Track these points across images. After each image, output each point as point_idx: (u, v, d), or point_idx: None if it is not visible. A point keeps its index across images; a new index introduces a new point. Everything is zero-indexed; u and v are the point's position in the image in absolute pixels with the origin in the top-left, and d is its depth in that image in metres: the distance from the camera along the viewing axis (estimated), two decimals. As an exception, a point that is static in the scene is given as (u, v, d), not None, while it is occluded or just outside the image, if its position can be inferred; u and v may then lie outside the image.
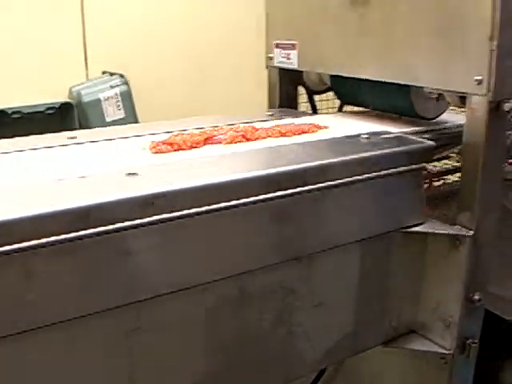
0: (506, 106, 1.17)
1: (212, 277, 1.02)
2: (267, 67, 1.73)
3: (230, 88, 3.16)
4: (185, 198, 0.96)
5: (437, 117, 1.45)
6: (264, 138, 1.25)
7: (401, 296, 1.32)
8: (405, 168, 1.21)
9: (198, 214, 0.97)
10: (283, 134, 1.28)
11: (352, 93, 1.55)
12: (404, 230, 1.25)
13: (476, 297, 1.30)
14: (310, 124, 1.35)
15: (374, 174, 1.17)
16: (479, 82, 1.16)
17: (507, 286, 1.83)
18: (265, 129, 1.29)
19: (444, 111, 1.45)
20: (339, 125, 1.43)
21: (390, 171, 1.19)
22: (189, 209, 0.96)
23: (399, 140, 1.26)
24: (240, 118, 1.45)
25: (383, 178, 1.19)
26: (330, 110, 1.85)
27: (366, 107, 1.58)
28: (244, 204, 1.02)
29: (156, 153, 1.15)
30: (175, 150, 1.16)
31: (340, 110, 1.75)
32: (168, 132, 1.31)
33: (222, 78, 3.15)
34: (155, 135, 1.28)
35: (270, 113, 1.54)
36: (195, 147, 1.18)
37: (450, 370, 1.34)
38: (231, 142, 1.21)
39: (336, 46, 1.47)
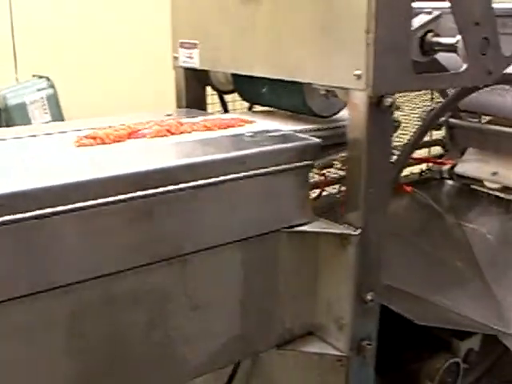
0: (387, 101, 1.15)
1: (74, 278, 0.98)
2: (174, 67, 1.69)
3: (159, 87, 3.11)
4: (45, 197, 0.92)
5: (335, 114, 1.42)
6: (189, 132, 1.25)
7: (294, 297, 1.29)
8: (288, 166, 1.18)
9: (57, 213, 0.93)
10: (209, 128, 1.28)
11: (252, 91, 1.52)
12: (289, 230, 1.21)
13: (368, 297, 1.27)
14: (236, 119, 1.36)
15: (254, 172, 1.14)
16: (358, 77, 1.14)
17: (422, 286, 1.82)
18: (190, 123, 1.29)
19: (342, 108, 1.42)
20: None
21: (270, 169, 1.16)
22: (49, 207, 0.91)
23: (284, 138, 1.24)
24: (133, 117, 1.41)
25: (264, 176, 1.16)
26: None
27: (266, 106, 1.55)
28: (108, 203, 0.98)
29: (80, 146, 1.14)
30: (98, 144, 1.15)
31: (250, 109, 1.72)
32: (93, 128, 1.28)
33: (148, 78, 3.10)
34: (81, 131, 1.26)
35: (169, 112, 1.50)
36: (119, 141, 1.17)
37: (347, 373, 1.31)
38: (155, 136, 1.21)
39: (231, 44, 1.44)
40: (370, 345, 1.30)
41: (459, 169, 2.17)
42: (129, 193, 1.00)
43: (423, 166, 2.28)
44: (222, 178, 1.09)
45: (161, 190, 1.03)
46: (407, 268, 1.90)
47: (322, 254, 1.27)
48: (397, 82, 1.16)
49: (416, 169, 2.27)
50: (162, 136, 1.21)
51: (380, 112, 1.16)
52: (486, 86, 1.58)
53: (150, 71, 3.03)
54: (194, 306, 1.13)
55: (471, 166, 2.15)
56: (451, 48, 1.32)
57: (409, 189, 2.11)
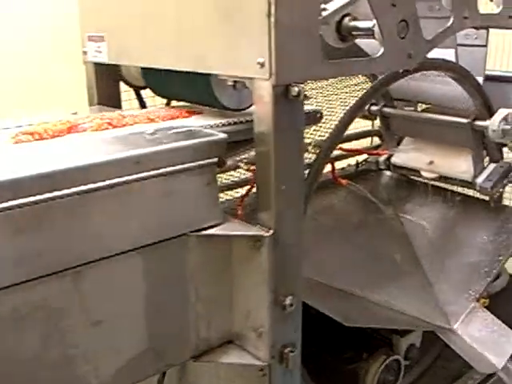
0: (294, 91, 1.06)
1: None
2: (84, 63, 1.57)
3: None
4: None
5: (248, 107, 1.33)
6: (131, 124, 1.22)
7: (208, 305, 1.19)
8: (189, 165, 1.09)
9: None
10: (152, 120, 1.25)
11: (162, 86, 1.42)
12: (196, 234, 1.11)
13: (287, 301, 1.18)
14: (182, 110, 1.33)
15: (150, 173, 1.04)
16: (261, 65, 1.04)
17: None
18: (133, 115, 1.26)
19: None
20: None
21: (169, 169, 1.06)
22: None
23: (188, 134, 1.14)
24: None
25: (162, 176, 1.06)
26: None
27: (178, 100, 1.46)
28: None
29: (16, 143, 1.09)
30: (36, 140, 1.11)
31: (167, 105, 1.62)
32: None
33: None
34: (21, 127, 1.19)
35: (74, 111, 1.39)
36: (58, 136, 1.13)
37: (269, 382, 1.22)
38: (97, 130, 1.18)
39: (137, 36, 1.34)
40: (292, 352, 1.21)
41: (396, 159, 2.11)
42: (9, 201, 0.89)
43: (360, 158, 2.20)
44: (114, 180, 0.99)
45: (46, 196, 0.92)
46: (342, 264, 1.83)
47: (235, 258, 1.18)
48: (305, 69, 1.08)
49: (353, 160, 2.20)
50: (103, 129, 1.18)
51: (287, 103, 1.07)
52: (415, 71, 1.52)
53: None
54: (95, 322, 1.03)
55: (408, 155, 2.09)
56: (368, 32, 1.24)
57: (344, 182, 2.03)
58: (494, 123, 1.76)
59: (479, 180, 1.88)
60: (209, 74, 1.24)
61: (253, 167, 1.66)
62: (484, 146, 1.92)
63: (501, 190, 1.87)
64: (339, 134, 1.41)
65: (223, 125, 1.29)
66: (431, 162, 2.02)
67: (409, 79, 1.94)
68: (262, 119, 1.09)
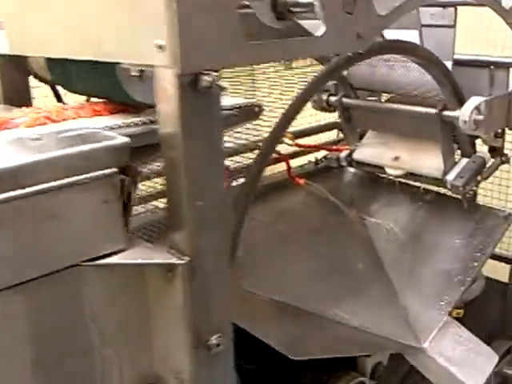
0: (205, 81, 0.83)
1: None
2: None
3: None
4: None
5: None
6: (74, 118, 1.08)
7: (119, 348, 0.96)
8: (79, 178, 0.85)
9: None
10: (98, 113, 1.11)
11: (68, 78, 1.18)
12: (93, 263, 0.88)
13: (213, 341, 0.96)
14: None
15: (27, 190, 0.80)
16: (161, 48, 0.81)
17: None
18: (75, 108, 1.12)
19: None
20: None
21: (52, 184, 0.82)
22: None
23: (81, 139, 0.90)
24: None
25: (43, 194, 0.82)
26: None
27: (84, 94, 1.22)
28: None
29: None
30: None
31: (87, 101, 1.38)
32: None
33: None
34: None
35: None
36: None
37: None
38: (32, 125, 1.04)
39: (34, 20, 1.10)
40: (223, 398, 0.99)
41: (358, 155, 1.89)
42: None
43: (320, 155, 1.98)
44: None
45: None
46: (297, 276, 1.62)
47: (150, 291, 0.95)
48: (221, 53, 0.85)
49: (311, 157, 1.97)
50: (40, 124, 1.05)
51: (198, 96, 0.84)
52: (370, 55, 1.30)
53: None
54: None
55: (371, 151, 1.88)
56: (309, 8, 1.01)
57: (301, 181, 1.82)
58: (464, 113, 1.54)
59: (450, 177, 1.68)
60: (113, 63, 1.00)
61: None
62: (455, 139, 1.71)
63: (474, 187, 1.65)
64: (281, 130, 1.18)
65: (136, 124, 1.05)
66: (397, 158, 1.80)
67: (370, 65, 1.73)
68: (167, 118, 0.86)
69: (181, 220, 0.90)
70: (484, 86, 1.72)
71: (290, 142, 1.82)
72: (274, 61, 0.98)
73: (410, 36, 1.52)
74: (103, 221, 0.90)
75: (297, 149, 1.88)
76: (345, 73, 1.82)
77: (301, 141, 1.90)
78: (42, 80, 1.38)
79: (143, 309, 0.98)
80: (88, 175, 0.87)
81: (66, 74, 1.18)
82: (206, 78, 0.84)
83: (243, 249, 1.68)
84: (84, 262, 0.89)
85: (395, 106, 1.70)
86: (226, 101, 1.20)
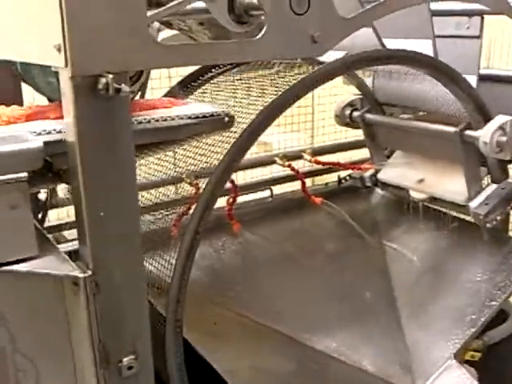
0: (101, 83, 0.77)
1: None
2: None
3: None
4: None
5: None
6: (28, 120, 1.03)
7: (35, 356, 0.92)
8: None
9: None
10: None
11: (32, 80, 1.17)
12: (1, 269, 0.85)
13: (124, 363, 0.89)
14: (162, 100, 1.15)
15: None
16: (59, 49, 0.76)
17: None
18: (42, 109, 1.08)
19: (133, 97, 1.05)
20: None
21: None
22: None
23: (5, 140, 0.88)
24: None
25: None
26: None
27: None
28: None
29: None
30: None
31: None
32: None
33: None
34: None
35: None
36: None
37: None
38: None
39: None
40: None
41: (382, 175, 1.76)
42: None
43: (343, 174, 1.87)
44: None
45: None
46: (297, 302, 1.51)
47: (66, 302, 0.90)
48: (123, 55, 0.79)
49: (334, 176, 1.86)
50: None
51: (99, 101, 0.78)
52: (368, 64, 1.20)
53: None
54: None
55: (396, 171, 1.74)
56: (258, 7, 0.94)
57: (318, 200, 1.71)
58: (486, 134, 1.39)
59: (473, 204, 1.51)
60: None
61: (195, 181, 1.40)
62: (483, 161, 1.54)
63: (498, 217, 1.48)
64: (241, 151, 1.09)
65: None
66: (421, 181, 1.66)
67: (396, 79, 1.61)
68: (67, 123, 0.80)
69: (84, 231, 0.84)
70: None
71: (309, 157, 1.72)
72: (198, 64, 0.90)
73: (423, 46, 1.39)
74: (10, 227, 0.86)
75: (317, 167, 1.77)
76: (370, 86, 1.70)
77: (325, 158, 1.79)
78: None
79: (60, 321, 0.93)
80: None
81: (31, 76, 1.17)
82: (102, 80, 0.78)
83: (242, 268, 1.61)
84: (-12, 267, 0.85)
85: (415, 123, 1.56)
86: (191, 108, 1.14)
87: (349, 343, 1.42)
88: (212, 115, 1.13)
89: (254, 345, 1.33)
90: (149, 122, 1.03)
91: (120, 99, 0.80)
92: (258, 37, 0.90)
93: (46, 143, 0.87)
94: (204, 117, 1.11)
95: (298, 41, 0.94)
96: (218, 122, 1.15)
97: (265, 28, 0.90)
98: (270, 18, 0.90)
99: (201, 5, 0.97)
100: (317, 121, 2.29)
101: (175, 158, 1.41)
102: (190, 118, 1.10)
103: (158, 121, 1.03)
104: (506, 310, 1.65)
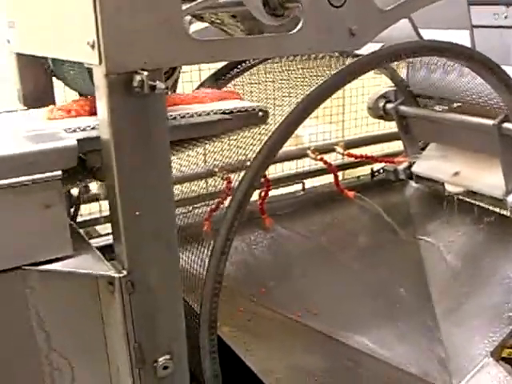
0: (136, 81, 0.76)
1: None
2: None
3: None
4: None
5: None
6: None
7: (70, 354, 0.92)
8: (17, 180, 0.82)
9: None
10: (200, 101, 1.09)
11: (64, 76, 1.16)
12: (36, 268, 0.85)
13: (160, 363, 0.89)
14: (231, 92, 1.19)
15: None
16: (92, 46, 0.75)
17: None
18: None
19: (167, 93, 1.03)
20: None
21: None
22: None
23: (33, 140, 0.87)
24: None
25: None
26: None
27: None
28: None
29: (50, 119, 0.98)
30: (72, 116, 0.98)
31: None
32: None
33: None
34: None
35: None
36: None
37: None
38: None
39: (28, 24, 1.09)
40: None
41: (417, 168, 1.73)
42: None
43: (376, 167, 1.83)
44: None
45: None
46: (330, 297, 1.49)
47: (101, 302, 0.90)
48: (156, 52, 0.77)
49: (367, 169, 1.83)
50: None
51: (133, 99, 0.77)
52: (396, 58, 1.17)
53: None
54: None
55: (430, 164, 1.71)
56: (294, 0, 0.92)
57: (351, 194, 1.69)
58: (525, 126, 1.35)
59: (511, 198, 1.47)
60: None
61: (227, 175, 1.39)
62: (521, 154, 1.50)
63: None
64: (277, 146, 1.07)
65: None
66: (457, 173, 1.62)
67: (431, 70, 1.57)
68: (102, 122, 0.79)
69: (119, 230, 0.83)
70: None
71: (341, 150, 1.69)
72: (233, 60, 0.88)
73: (460, 37, 1.35)
74: (45, 226, 0.86)
75: (348, 159, 1.74)
76: (404, 77, 1.67)
77: (357, 151, 1.77)
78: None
79: (96, 320, 0.93)
80: (27, 178, 0.83)
81: (64, 72, 1.16)
82: (136, 77, 0.76)
83: (274, 263, 1.59)
84: (27, 265, 0.85)
85: (451, 115, 1.53)
86: (223, 104, 1.12)
87: (383, 340, 1.40)
88: (246, 110, 1.11)
89: (288, 342, 1.32)
90: (183, 117, 1.01)
91: (155, 96, 0.79)
92: (294, 31, 0.88)
93: (79, 141, 0.86)
94: (239, 111, 1.10)
95: (336, 34, 0.91)
96: (252, 117, 1.13)
97: (301, 22, 0.88)
98: (307, 11, 0.88)
99: (235, -2, 0.96)
100: (348, 113, 2.26)
101: (204, 153, 1.40)
102: (224, 113, 1.08)
103: (192, 116, 1.01)
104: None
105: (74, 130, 0.92)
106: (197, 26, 1.38)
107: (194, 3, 0.82)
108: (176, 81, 1.00)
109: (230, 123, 1.09)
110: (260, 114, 1.12)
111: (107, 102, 0.77)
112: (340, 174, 1.89)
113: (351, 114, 2.18)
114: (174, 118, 0.99)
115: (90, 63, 0.78)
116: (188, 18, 1.33)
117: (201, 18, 1.28)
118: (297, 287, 1.47)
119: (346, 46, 0.93)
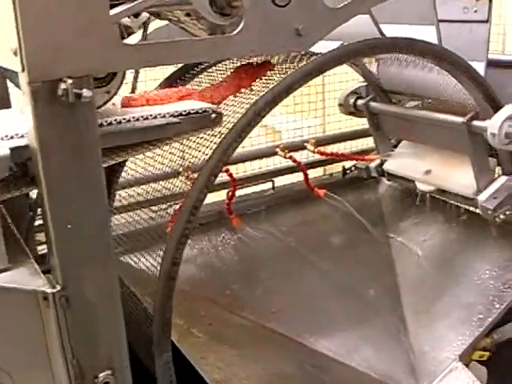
0: (60, 89, 0.72)
1: None
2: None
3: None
4: None
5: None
6: None
7: (11, 368, 0.89)
8: None
9: None
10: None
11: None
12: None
13: (100, 379, 0.86)
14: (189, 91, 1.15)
15: None
16: (15, 53, 0.71)
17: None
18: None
19: (110, 99, 0.99)
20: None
21: None
22: None
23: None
24: None
25: None
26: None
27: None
28: None
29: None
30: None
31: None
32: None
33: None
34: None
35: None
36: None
37: None
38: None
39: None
40: None
41: (389, 166, 1.70)
42: None
43: (348, 164, 1.80)
44: None
45: None
46: (297, 299, 1.46)
47: (42, 316, 0.86)
48: (84, 58, 0.73)
49: (338, 166, 1.80)
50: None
51: (58, 106, 0.73)
52: (363, 55, 1.13)
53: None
54: None
55: (402, 162, 1.67)
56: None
57: (321, 192, 1.65)
58: (494, 124, 1.31)
59: (482, 197, 1.44)
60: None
61: (192, 175, 1.35)
62: (492, 152, 1.46)
63: (508, 212, 1.41)
64: (229, 149, 1.03)
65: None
66: (428, 172, 1.58)
67: (401, 66, 1.53)
68: (29, 129, 0.76)
69: (51, 244, 0.79)
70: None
71: (312, 148, 1.66)
72: (168, 64, 0.84)
73: (426, 33, 1.31)
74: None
75: (319, 157, 1.70)
76: (375, 73, 1.63)
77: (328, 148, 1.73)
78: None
79: (38, 335, 0.89)
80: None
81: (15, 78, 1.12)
82: (62, 85, 0.72)
83: (241, 265, 1.56)
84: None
85: (421, 112, 1.49)
86: (173, 106, 1.08)
87: (350, 344, 1.37)
88: (197, 112, 1.07)
89: (250, 348, 1.29)
90: (128, 121, 0.97)
91: (83, 104, 0.75)
92: (234, 32, 0.84)
93: (18, 148, 0.82)
94: (188, 114, 1.05)
95: (281, 35, 0.88)
96: (204, 120, 1.09)
97: (243, 22, 0.84)
98: (249, 11, 0.84)
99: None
100: (327, 108, 2.21)
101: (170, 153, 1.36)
102: (175, 115, 1.05)
103: (138, 120, 0.97)
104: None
105: (12, 137, 0.88)
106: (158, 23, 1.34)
107: (125, 7, 0.78)
108: (119, 85, 0.96)
109: (179, 126, 1.05)
110: (213, 115, 1.08)
111: (32, 110, 0.73)
112: (321, 169, 1.86)
113: (330, 110, 2.13)
114: (120, 123, 0.96)
115: (14, 70, 0.74)
116: (146, 15, 1.29)
117: (158, 16, 1.24)
118: (263, 289, 1.44)
119: (293, 47, 0.89)
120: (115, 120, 0.95)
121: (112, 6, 0.81)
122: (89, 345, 0.84)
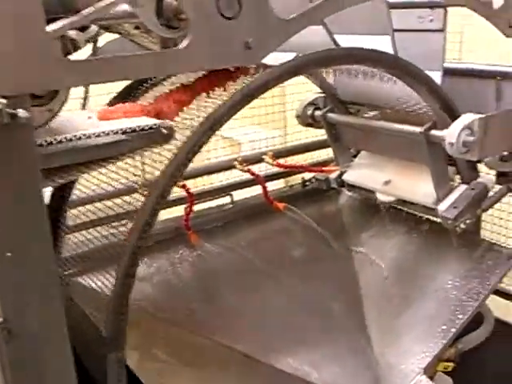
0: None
1: None
2: None
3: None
4: None
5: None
6: None
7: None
8: None
9: None
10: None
11: None
12: None
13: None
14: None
15: None
16: None
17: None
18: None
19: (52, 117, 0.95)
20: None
21: None
22: None
23: None
24: None
25: None
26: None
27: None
28: None
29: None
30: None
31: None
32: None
33: None
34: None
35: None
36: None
37: None
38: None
39: None
40: None
41: (348, 177, 1.68)
42: None
43: (308, 175, 1.78)
44: None
45: None
46: (256, 316, 1.42)
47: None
48: (20, 77, 0.69)
49: (297, 178, 1.77)
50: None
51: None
52: (298, 71, 1.10)
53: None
54: None
55: (362, 173, 1.65)
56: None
57: (281, 206, 1.62)
58: (452, 134, 1.30)
59: (442, 207, 1.43)
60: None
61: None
62: (451, 160, 1.45)
63: (468, 221, 1.40)
64: (180, 167, 1.00)
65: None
66: (387, 182, 1.57)
67: (357, 76, 1.52)
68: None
69: (-11, 273, 0.74)
70: (489, 101, 1.45)
71: (271, 161, 1.63)
72: (107, 82, 0.80)
73: (382, 42, 1.29)
74: None
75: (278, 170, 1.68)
76: (332, 84, 1.61)
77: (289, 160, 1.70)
78: None
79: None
80: None
81: None
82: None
83: (199, 282, 1.51)
84: None
85: (378, 122, 1.47)
86: (122, 123, 1.04)
87: (313, 361, 1.34)
88: (150, 128, 1.03)
89: (209, 370, 1.25)
90: (70, 140, 0.93)
91: (18, 126, 0.70)
92: (180, 47, 0.80)
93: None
94: (134, 131, 1.01)
95: (229, 48, 0.84)
96: (155, 135, 1.05)
97: (189, 36, 0.80)
98: (195, 24, 0.80)
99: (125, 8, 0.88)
100: (290, 118, 2.18)
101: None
102: (124, 132, 1.01)
103: (80, 139, 0.93)
104: (480, 312, 1.57)
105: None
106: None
107: (64, 23, 0.73)
108: (63, 102, 0.92)
109: (129, 144, 1.01)
110: (164, 131, 1.04)
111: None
112: (283, 180, 1.83)
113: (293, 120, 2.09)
114: (62, 142, 0.91)
115: None
116: (95, 28, 1.25)
117: (107, 29, 1.20)
118: (222, 307, 1.40)
119: (242, 61, 0.86)
120: (65, 138, 0.91)
121: (53, 20, 0.77)
122: (34, 379, 0.79)
